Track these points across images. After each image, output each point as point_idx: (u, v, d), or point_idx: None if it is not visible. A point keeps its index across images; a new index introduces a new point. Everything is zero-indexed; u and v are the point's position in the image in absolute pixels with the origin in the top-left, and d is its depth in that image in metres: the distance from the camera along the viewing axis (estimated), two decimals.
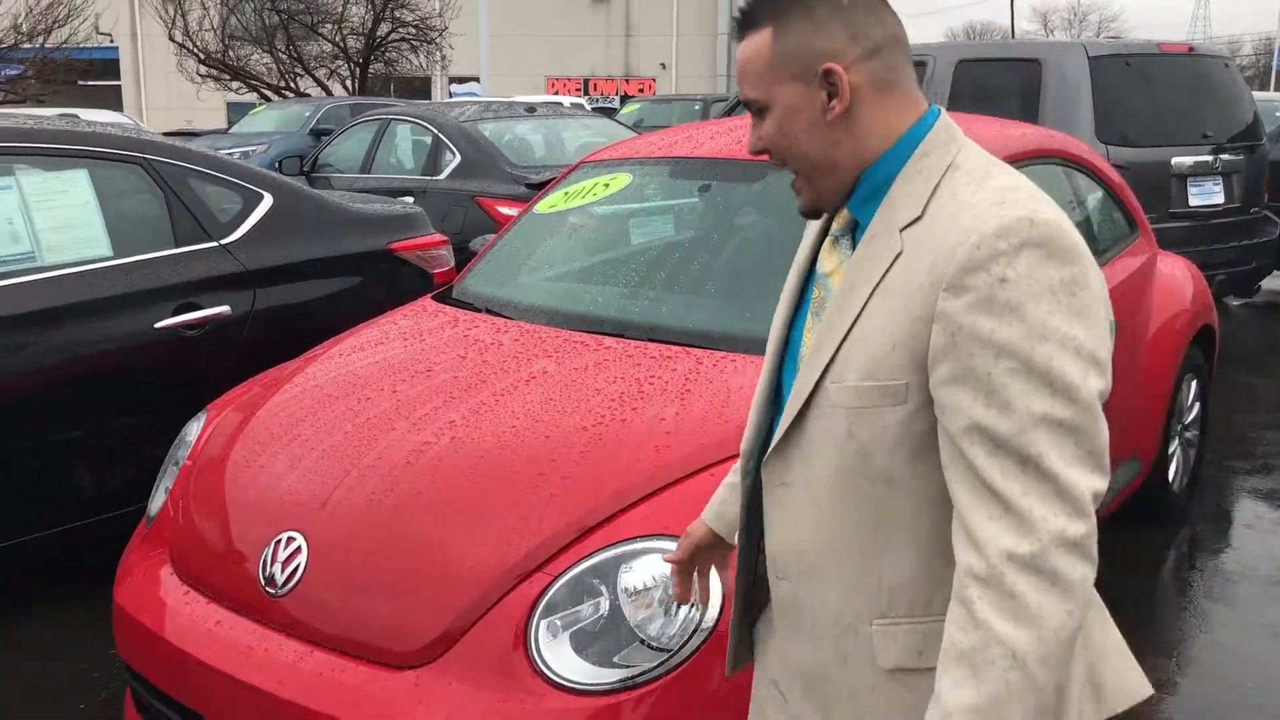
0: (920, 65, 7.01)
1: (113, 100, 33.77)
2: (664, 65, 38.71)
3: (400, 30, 24.90)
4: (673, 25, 38.14)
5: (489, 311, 3.24)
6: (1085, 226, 3.78)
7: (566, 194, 3.65)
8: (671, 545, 2.14)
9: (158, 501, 2.88)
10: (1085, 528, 1.18)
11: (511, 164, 6.85)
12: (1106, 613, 1.44)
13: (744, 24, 1.34)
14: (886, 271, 1.28)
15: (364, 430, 2.58)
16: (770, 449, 1.41)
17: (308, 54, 25.07)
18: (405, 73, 26.90)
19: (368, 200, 4.71)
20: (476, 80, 34.00)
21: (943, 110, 1.38)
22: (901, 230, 1.29)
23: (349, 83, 25.66)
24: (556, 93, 37.06)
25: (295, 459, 2.56)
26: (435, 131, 7.34)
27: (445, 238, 4.71)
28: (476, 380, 2.72)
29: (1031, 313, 1.18)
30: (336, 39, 24.67)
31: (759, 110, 1.34)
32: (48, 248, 3.56)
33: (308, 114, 18.88)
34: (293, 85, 25.45)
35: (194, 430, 2.94)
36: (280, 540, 2.39)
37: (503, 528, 2.23)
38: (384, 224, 4.48)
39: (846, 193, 1.36)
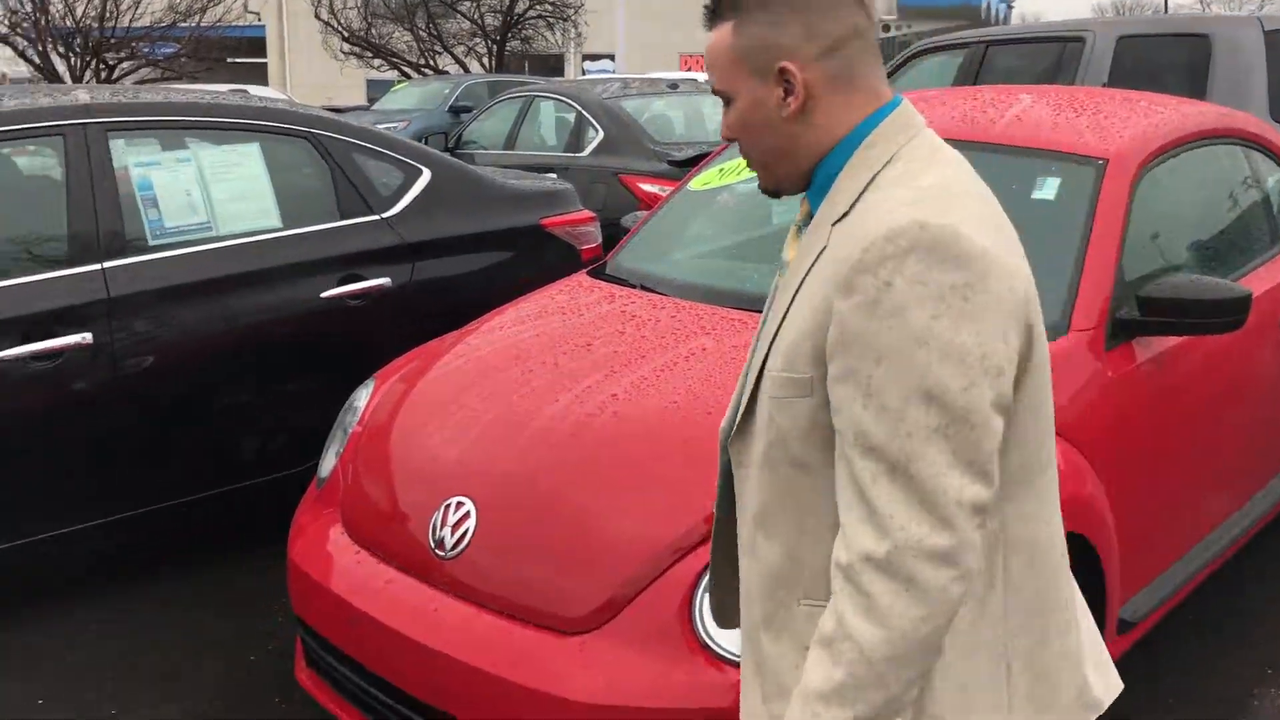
0: (1077, 42, 6.78)
1: (259, 77, 34.93)
2: None
3: (537, 8, 25.15)
4: None
5: (643, 288, 3.26)
6: (1264, 209, 3.61)
7: (721, 170, 3.65)
8: None
9: (328, 464, 2.99)
10: (950, 539, 1.18)
11: (654, 141, 6.88)
12: (1072, 616, 1.41)
13: (710, 14, 1.36)
14: (812, 265, 1.30)
15: (529, 401, 2.63)
16: (733, 429, 1.45)
17: (446, 32, 25.52)
18: (541, 50, 27.17)
19: (519, 176, 4.78)
20: (610, 58, 34.18)
21: (905, 100, 1.37)
22: (832, 225, 1.30)
23: (485, 60, 26.05)
24: (690, 70, 37.01)
25: (463, 427, 2.63)
26: (578, 108, 7.41)
27: (593, 214, 4.76)
28: (636, 355, 2.76)
29: (914, 318, 1.17)
30: (475, 16, 25.06)
31: (726, 100, 1.37)
32: (223, 218, 3.72)
33: (447, 91, 19.25)
34: (431, 63, 25.96)
35: (362, 397, 3.05)
36: (450, 504, 2.46)
37: (667, 501, 2.26)
38: (535, 200, 4.55)
39: (805, 181, 1.37)
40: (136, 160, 3.57)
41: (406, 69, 25.77)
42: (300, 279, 3.82)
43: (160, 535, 3.75)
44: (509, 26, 25.02)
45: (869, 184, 1.29)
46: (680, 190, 3.76)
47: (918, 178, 1.28)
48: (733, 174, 3.59)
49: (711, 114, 7.92)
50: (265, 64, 38.34)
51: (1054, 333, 2.64)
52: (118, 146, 3.53)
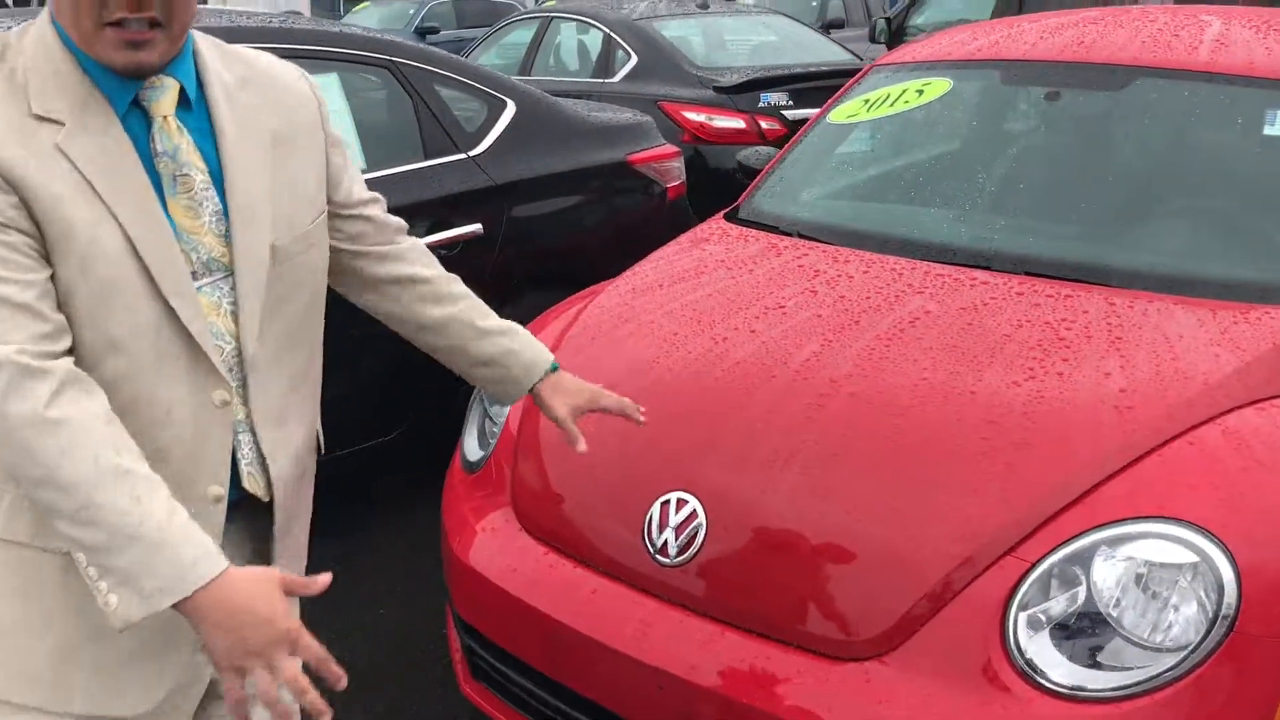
0: None
1: None
2: None
3: None
4: None
5: (802, 235, 2.90)
6: None
7: (867, 101, 3.27)
8: (1164, 528, 1.83)
9: (473, 445, 2.62)
10: None
11: (695, 65, 6.43)
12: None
13: None
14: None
15: (736, 379, 2.28)
16: None
17: None
18: None
19: (602, 109, 4.36)
20: None
21: None
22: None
23: None
24: None
25: (663, 410, 2.26)
26: (605, 30, 6.92)
27: (676, 149, 4.36)
28: (847, 321, 2.40)
29: None
30: None
31: None
32: None
33: (412, 11, 18.47)
34: None
35: None
36: (668, 501, 2.11)
37: (958, 501, 1.92)
38: (621, 134, 4.14)
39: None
40: None
41: None
42: None
43: None
44: None
45: None
46: (817, 124, 3.37)
47: None
48: (883, 105, 3.22)
49: (733, 39, 7.47)
50: None
51: None
52: None
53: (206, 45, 1.43)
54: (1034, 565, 1.84)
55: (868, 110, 3.25)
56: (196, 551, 1.23)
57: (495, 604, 2.27)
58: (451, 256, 3.53)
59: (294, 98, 1.51)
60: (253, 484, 1.47)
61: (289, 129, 1.48)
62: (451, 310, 1.72)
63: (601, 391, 1.84)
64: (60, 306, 1.28)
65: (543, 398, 1.80)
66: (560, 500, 2.31)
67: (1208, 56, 2.83)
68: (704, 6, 7.33)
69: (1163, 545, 1.81)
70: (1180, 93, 2.78)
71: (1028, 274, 2.52)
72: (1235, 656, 1.75)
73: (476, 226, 3.58)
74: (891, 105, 3.20)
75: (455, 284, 1.75)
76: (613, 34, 6.85)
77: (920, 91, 3.17)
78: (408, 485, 3.76)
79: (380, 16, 18.35)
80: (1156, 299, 2.35)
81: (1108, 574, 1.82)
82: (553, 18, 7.57)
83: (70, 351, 1.28)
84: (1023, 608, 1.82)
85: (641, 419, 1.85)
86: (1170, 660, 1.76)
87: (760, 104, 6.06)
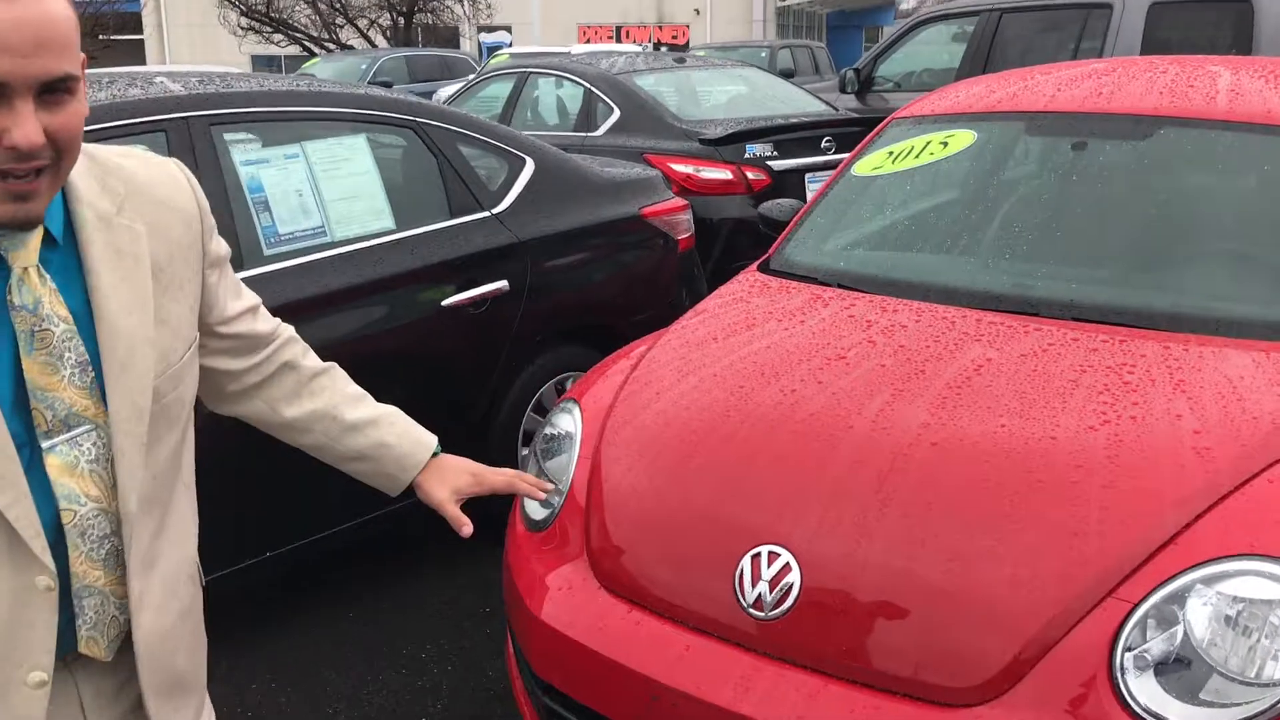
0: (1103, 9, 6.66)
1: (137, 55, 33.24)
2: (698, 11, 38.02)
3: None
4: None
5: (842, 286, 2.96)
6: None
7: (891, 153, 3.35)
8: (1257, 565, 1.89)
9: (534, 505, 2.62)
10: None
11: (677, 118, 6.52)
12: None
13: None
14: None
15: (814, 430, 2.31)
16: None
17: (350, 4, 24.55)
18: (449, 22, 26.37)
19: (609, 164, 4.41)
20: (507, 29, 33.50)
21: None
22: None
23: (388, 34, 25.17)
24: (589, 41, 36.46)
25: (746, 463, 2.30)
26: (586, 85, 7.00)
27: (685, 202, 4.42)
28: (911, 370, 2.45)
29: None
30: None
31: (68, 88, 1.18)
32: (336, 221, 3.28)
33: (364, 67, 18.57)
34: (335, 37, 24.96)
35: (568, 424, 2.68)
36: (759, 555, 2.13)
37: (1056, 545, 1.96)
38: (633, 188, 4.19)
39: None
40: (244, 158, 3.11)
41: (309, 44, 24.72)
42: (420, 286, 3.41)
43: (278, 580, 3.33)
44: None
45: None
46: (842, 176, 3.45)
47: None
48: (908, 157, 3.30)
49: (712, 91, 7.59)
50: (142, 40, 36.55)
51: None
52: (223, 142, 3.07)
53: (80, 169, 1.29)
54: (1135, 606, 1.88)
55: (893, 162, 3.33)
56: None
57: (580, 663, 2.26)
58: (481, 314, 3.55)
59: (173, 214, 1.38)
60: (92, 649, 1.33)
61: (167, 254, 1.36)
62: (313, 406, 1.64)
63: (485, 471, 1.79)
64: None
65: (423, 488, 1.73)
66: (642, 557, 2.31)
67: (1226, 105, 2.94)
68: (680, 61, 7.45)
69: (1257, 581, 1.87)
70: (1205, 141, 2.89)
71: (1075, 320, 2.60)
72: None
73: (503, 283, 3.60)
74: (917, 157, 3.28)
75: (323, 375, 1.67)
76: (594, 89, 6.94)
77: (945, 143, 3.26)
78: (451, 546, 3.76)
79: (332, 72, 18.40)
80: (1208, 341, 2.43)
81: (1203, 612, 1.87)
82: (530, 73, 7.65)
83: None
84: (1128, 649, 1.86)
85: (542, 496, 1.92)
86: (1275, 694, 1.81)
87: (746, 155, 6.16)
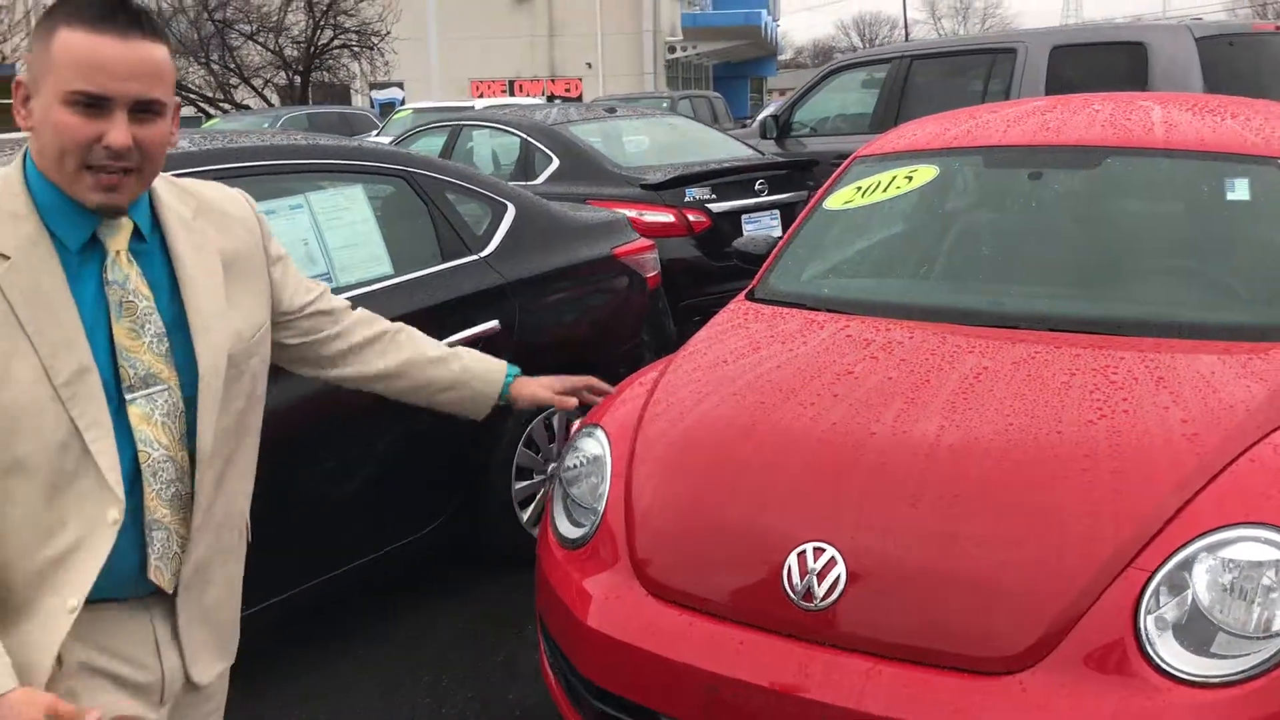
0: (1008, 54, 7.11)
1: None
2: (589, 65, 38.65)
3: (342, 37, 24.43)
4: (597, 24, 38.09)
5: (831, 310, 3.19)
6: None
7: (859, 188, 3.61)
8: (1254, 532, 2.14)
9: (566, 525, 2.77)
10: None
11: (617, 165, 6.76)
12: None
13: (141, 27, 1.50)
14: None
15: (840, 437, 2.52)
16: None
17: (245, 64, 24.43)
18: (345, 80, 26.41)
19: (577, 208, 4.60)
20: (399, 86, 33.60)
21: None
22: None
23: (283, 92, 25.10)
24: (481, 95, 36.76)
25: (777, 471, 2.49)
26: (523, 135, 7.20)
27: (652, 242, 4.63)
28: (918, 381, 2.68)
29: None
30: (274, 48, 24.08)
31: (157, 111, 1.51)
32: (340, 268, 3.41)
33: (266, 125, 18.45)
34: (229, 97, 24.79)
35: (594, 447, 2.83)
36: (804, 552, 2.32)
37: (1078, 524, 2.19)
38: (605, 230, 4.39)
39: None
40: None
41: (203, 105, 24.49)
42: (421, 329, 3.53)
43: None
44: (313, 57, 24.16)
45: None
46: (815, 210, 3.70)
47: None
48: (875, 192, 3.57)
49: (638, 138, 7.86)
50: None
51: None
52: None
53: (161, 183, 1.64)
54: (1153, 574, 2.12)
55: (863, 196, 3.59)
56: None
57: (636, 665, 2.41)
58: None
59: (238, 223, 1.73)
60: (158, 577, 1.60)
61: (234, 252, 1.70)
62: (404, 356, 2.05)
63: (565, 378, 2.32)
64: None
65: (520, 396, 2.23)
66: (688, 563, 2.48)
67: (1164, 135, 3.27)
68: (611, 111, 7.71)
69: (1255, 546, 2.12)
70: (1148, 167, 3.21)
71: (1051, 330, 2.87)
72: None
73: (495, 323, 3.75)
74: (884, 191, 3.54)
75: (400, 331, 2.08)
76: (531, 139, 7.14)
77: (909, 178, 3.53)
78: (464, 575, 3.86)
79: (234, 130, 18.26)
80: (1178, 344, 2.71)
81: (1207, 577, 2.12)
82: (463, 125, 7.83)
83: None
84: (1149, 611, 2.10)
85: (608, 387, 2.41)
86: (1275, 644, 2.05)
87: (686, 198, 6.42)
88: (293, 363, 1.95)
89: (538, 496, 4.01)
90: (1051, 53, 6.85)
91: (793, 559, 2.33)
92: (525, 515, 3.96)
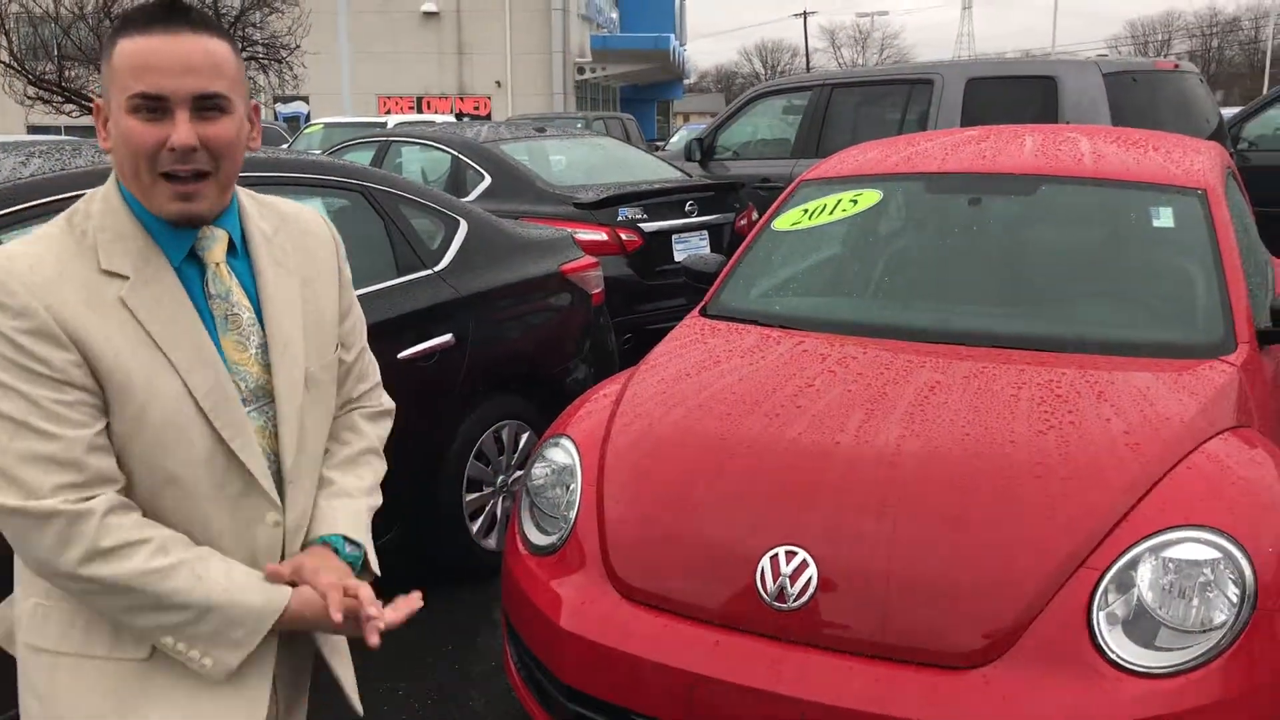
0: (925, 84, 7.39)
1: None
2: (499, 83, 38.62)
3: (250, 49, 24.02)
4: (506, 44, 38.10)
5: (784, 327, 3.32)
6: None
7: (806, 210, 3.76)
8: (1194, 534, 2.31)
9: (535, 532, 2.84)
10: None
11: (550, 184, 6.83)
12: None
13: (197, 24, 1.47)
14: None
15: (806, 447, 2.63)
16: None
17: None
18: (253, 92, 25.98)
19: (524, 226, 4.67)
20: (304, 100, 33.14)
21: None
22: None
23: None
24: (389, 112, 36.47)
25: (747, 478, 2.60)
26: (453, 153, 7.24)
27: (597, 260, 4.72)
28: (875, 394, 2.82)
29: None
30: None
31: (222, 108, 1.47)
32: None
33: None
34: None
35: (563, 457, 2.91)
36: (776, 555, 2.43)
37: (1034, 527, 2.34)
38: (553, 247, 4.47)
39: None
40: None
41: None
42: (378, 341, 3.56)
43: None
44: None
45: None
46: (764, 230, 3.83)
47: None
48: (822, 214, 3.72)
49: (561, 158, 7.95)
50: None
51: (1223, 349, 2.96)
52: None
53: (245, 198, 1.63)
54: (1104, 573, 2.28)
55: (809, 218, 3.74)
56: (260, 596, 1.51)
57: (613, 667, 2.49)
58: (430, 366, 3.74)
59: (317, 241, 1.72)
60: None
61: (314, 270, 1.68)
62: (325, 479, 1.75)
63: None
64: (117, 452, 1.46)
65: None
66: (662, 568, 2.57)
67: (1093, 165, 3.48)
68: (540, 130, 7.79)
69: (1194, 546, 2.29)
70: (1081, 195, 3.41)
71: (996, 346, 3.03)
72: (1261, 627, 2.23)
73: (449, 337, 3.80)
74: (830, 214, 3.70)
75: (334, 488, 1.72)
76: (462, 156, 7.18)
77: (854, 201, 3.69)
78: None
79: None
80: (1115, 360, 2.89)
81: (1152, 575, 2.28)
82: (391, 141, 7.83)
83: (108, 488, 1.45)
84: (1100, 608, 2.25)
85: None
86: (1216, 636, 2.22)
87: (619, 218, 6.52)
88: None
89: (487, 508, 4.06)
90: (967, 84, 7.13)
91: (765, 562, 2.43)
92: (475, 526, 4.01)
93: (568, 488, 2.85)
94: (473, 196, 7.00)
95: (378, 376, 1.89)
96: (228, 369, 1.53)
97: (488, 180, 6.99)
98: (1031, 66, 7.44)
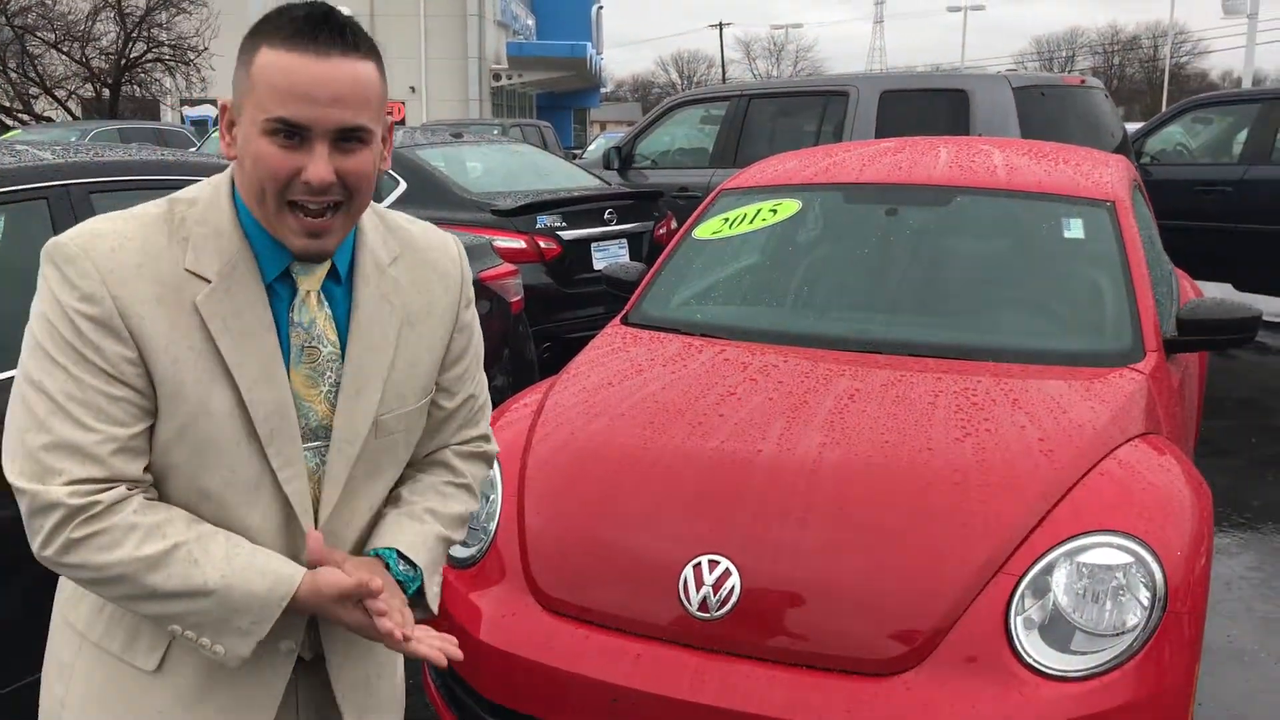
0: (840, 96, 7.49)
1: None
2: (414, 89, 38.27)
3: (155, 50, 23.45)
4: (421, 49, 37.78)
5: (706, 335, 3.32)
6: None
7: (726, 219, 3.77)
8: (1106, 539, 2.36)
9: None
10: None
11: (467, 190, 6.77)
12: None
13: (352, 46, 1.35)
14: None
15: (728, 455, 2.63)
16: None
17: (48, 74, 23.16)
18: (158, 95, 25.36)
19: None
20: (212, 103, 32.49)
21: None
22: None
23: (89, 105, 23.95)
24: None
25: (670, 487, 2.58)
26: None
27: (515, 268, 4.69)
28: (796, 402, 2.83)
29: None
30: (80, 58, 22.94)
31: (361, 139, 1.36)
32: None
33: (74, 138, 17.59)
34: (29, 108, 23.46)
35: None
36: (699, 564, 2.42)
37: (952, 534, 2.37)
38: (470, 255, 4.42)
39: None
40: None
41: None
42: None
43: None
44: (123, 70, 23.10)
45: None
46: (685, 239, 3.83)
47: None
48: (742, 223, 3.73)
49: (485, 164, 7.89)
50: None
51: (1132, 357, 3.03)
52: (104, 209, 3.09)
53: (370, 220, 1.50)
54: (1020, 578, 2.31)
55: (730, 227, 3.75)
56: (265, 582, 1.37)
57: (534, 680, 2.46)
58: None
59: (438, 276, 1.56)
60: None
61: (424, 309, 1.53)
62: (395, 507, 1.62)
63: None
64: (157, 458, 1.37)
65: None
66: (584, 579, 2.54)
67: (1006, 177, 3.55)
68: (457, 136, 7.71)
69: (1106, 551, 2.34)
70: (994, 206, 3.48)
71: (911, 355, 3.07)
72: (1171, 629, 2.29)
73: None
74: (750, 223, 3.71)
75: (420, 515, 1.59)
76: None
77: (774, 210, 3.71)
78: None
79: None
80: (1028, 369, 2.94)
81: (1066, 580, 2.32)
82: None
83: (123, 486, 1.36)
84: (1018, 613, 2.28)
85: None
86: (1129, 639, 2.27)
87: (537, 225, 6.48)
88: None
89: None
90: (882, 96, 7.24)
91: (689, 571, 2.42)
92: None
93: (487, 499, 2.81)
94: (388, 203, 6.90)
95: (486, 425, 1.71)
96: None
97: (403, 186, 6.90)
98: (944, 80, 7.58)
